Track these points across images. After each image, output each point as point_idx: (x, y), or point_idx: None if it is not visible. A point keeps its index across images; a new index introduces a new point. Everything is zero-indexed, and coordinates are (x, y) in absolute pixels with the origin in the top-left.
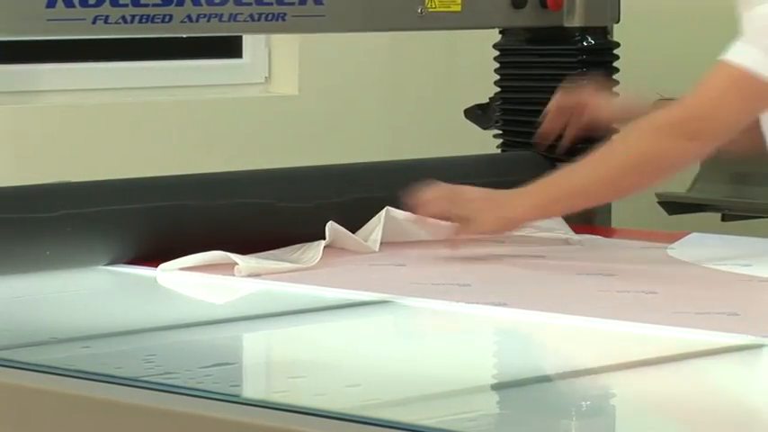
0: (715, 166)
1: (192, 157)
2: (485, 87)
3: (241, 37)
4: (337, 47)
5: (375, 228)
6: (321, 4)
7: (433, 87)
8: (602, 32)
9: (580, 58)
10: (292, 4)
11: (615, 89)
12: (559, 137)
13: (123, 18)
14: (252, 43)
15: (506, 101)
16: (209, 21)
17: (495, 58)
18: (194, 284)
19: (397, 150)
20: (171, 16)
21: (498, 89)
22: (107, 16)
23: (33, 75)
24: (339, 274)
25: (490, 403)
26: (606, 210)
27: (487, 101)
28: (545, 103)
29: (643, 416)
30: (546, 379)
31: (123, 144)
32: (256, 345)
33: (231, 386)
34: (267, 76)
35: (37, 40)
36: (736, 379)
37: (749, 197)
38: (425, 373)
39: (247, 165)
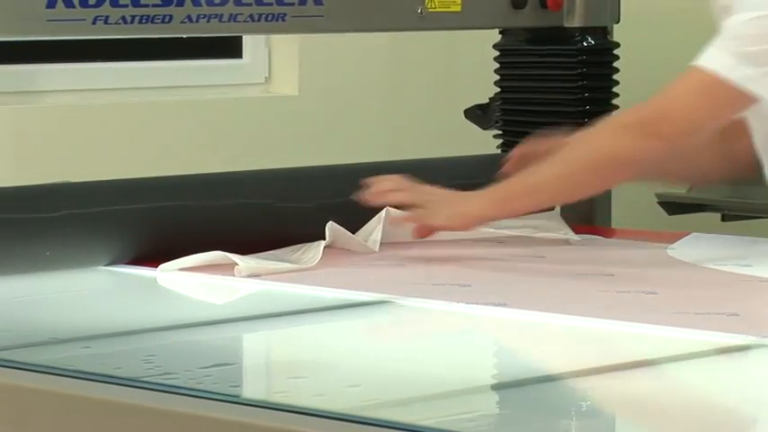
0: None
1: (193, 157)
2: (485, 87)
3: (241, 37)
4: (337, 47)
5: (375, 228)
6: (321, 4)
7: (433, 87)
8: (602, 33)
9: (580, 58)
10: (292, 4)
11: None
12: None
13: (123, 18)
14: (252, 43)
15: (506, 101)
16: (209, 21)
17: (495, 59)
18: (194, 285)
19: (397, 150)
20: (171, 17)
21: (498, 89)
22: (107, 17)
23: (34, 75)
24: (339, 274)
25: (490, 403)
26: (606, 210)
27: (487, 101)
28: (545, 103)
29: (643, 416)
30: (546, 379)
31: (123, 144)
32: (256, 345)
33: (231, 386)
34: (267, 76)
35: (37, 41)
36: (736, 379)
37: (749, 197)
38: (425, 374)
39: (247, 165)
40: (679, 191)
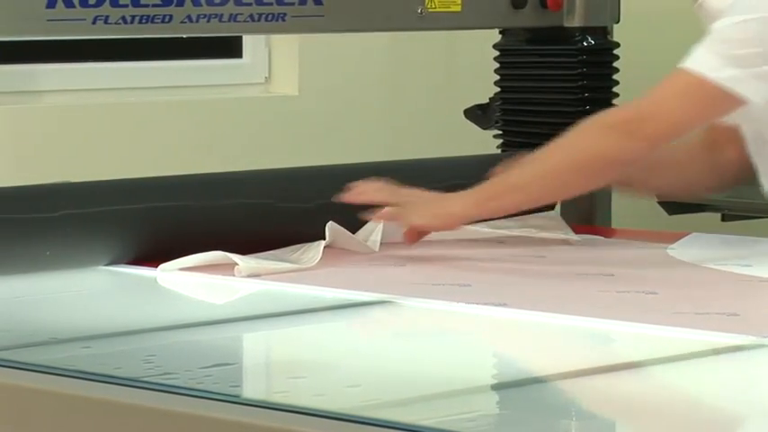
0: None
1: (193, 157)
2: (485, 87)
3: (241, 37)
4: (337, 47)
5: (375, 228)
6: (321, 4)
7: (433, 87)
8: (602, 33)
9: (580, 58)
10: (292, 4)
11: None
12: None
13: (123, 18)
14: (252, 43)
15: (506, 101)
16: (209, 21)
17: (495, 59)
18: (194, 285)
19: (397, 150)
20: (171, 16)
21: (498, 89)
22: (107, 16)
23: (33, 75)
24: (339, 274)
25: (490, 403)
26: (606, 210)
27: (487, 101)
28: (545, 103)
29: (643, 416)
30: (546, 379)
31: (123, 144)
32: (256, 345)
33: (231, 386)
34: (267, 76)
35: (37, 41)
36: (736, 379)
37: (749, 197)
38: (425, 374)
39: (247, 165)
40: None
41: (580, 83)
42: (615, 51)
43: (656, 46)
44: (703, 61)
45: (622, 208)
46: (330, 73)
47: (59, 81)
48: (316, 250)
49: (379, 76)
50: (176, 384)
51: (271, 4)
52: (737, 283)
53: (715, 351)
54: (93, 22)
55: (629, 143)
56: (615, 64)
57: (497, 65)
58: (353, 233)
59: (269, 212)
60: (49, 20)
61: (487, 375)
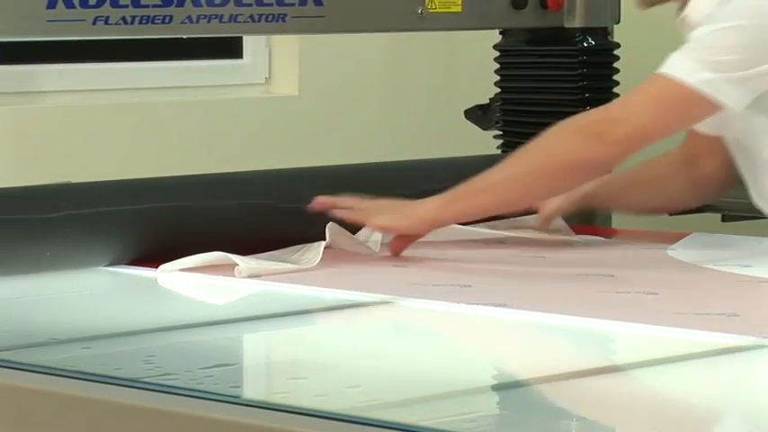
0: None
1: (193, 157)
2: (485, 88)
3: (241, 38)
4: (337, 47)
5: None
6: (321, 4)
7: (433, 87)
8: (603, 33)
9: (580, 58)
10: (292, 4)
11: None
12: None
13: (123, 19)
14: (252, 44)
15: (506, 101)
16: (209, 22)
17: (496, 59)
18: (195, 285)
19: (397, 151)
20: (171, 17)
21: (498, 90)
22: (107, 17)
23: (34, 75)
24: (339, 274)
25: (490, 404)
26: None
27: (487, 101)
28: (545, 103)
29: (643, 416)
30: (546, 380)
31: (123, 145)
32: (257, 346)
33: (231, 387)
34: (267, 76)
35: (37, 41)
36: (736, 379)
37: (749, 197)
38: (426, 374)
39: (247, 165)
40: None
41: (580, 83)
42: (615, 52)
43: (656, 47)
44: (679, 66)
45: None
46: (330, 73)
47: (60, 82)
48: (316, 251)
49: (379, 76)
50: (177, 385)
51: (271, 4)
52: (738, 284)
53: (715, 351)
54: (94, 23)
55: (599, 147)
56: (615, 64)
57: (497, 65)
58: (354, 234)
59: (269, 213)
60: (49, 20)
61: (488, 376)
